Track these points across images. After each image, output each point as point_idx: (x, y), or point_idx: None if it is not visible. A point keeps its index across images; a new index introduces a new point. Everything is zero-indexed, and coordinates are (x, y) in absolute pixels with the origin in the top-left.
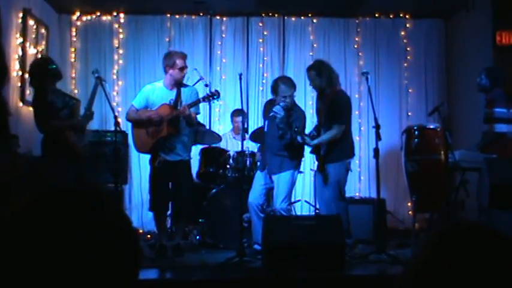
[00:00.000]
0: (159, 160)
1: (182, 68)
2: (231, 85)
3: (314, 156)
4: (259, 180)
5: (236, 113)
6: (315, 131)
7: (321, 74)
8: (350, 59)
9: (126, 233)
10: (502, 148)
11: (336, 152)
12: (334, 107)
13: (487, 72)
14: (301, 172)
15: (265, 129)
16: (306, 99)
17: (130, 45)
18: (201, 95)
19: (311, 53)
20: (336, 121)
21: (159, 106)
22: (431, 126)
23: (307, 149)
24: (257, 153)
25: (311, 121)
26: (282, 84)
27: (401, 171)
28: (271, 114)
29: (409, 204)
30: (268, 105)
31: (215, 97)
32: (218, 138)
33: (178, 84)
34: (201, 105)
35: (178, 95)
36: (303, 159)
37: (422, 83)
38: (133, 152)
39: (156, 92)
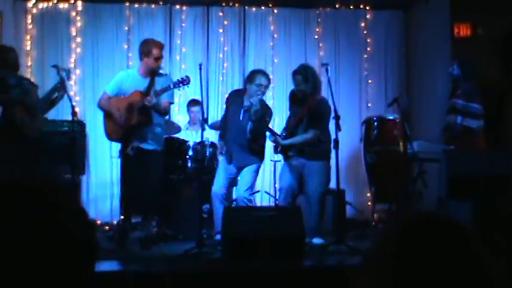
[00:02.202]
0: (132, 146)
1: (157, 58)
2: (191, 75)
3: (281, 155)
4: (224, 169)
5: (192, 103)
6: (285, 132)
7: (307, 80)
8: (310, 50)
9: (79, 225)
10: (470, 143)
11: (323, 151)
12: (316, 114)
13: (460, 64)
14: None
15: (231, 120)
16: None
17: (88, 33)
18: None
19: (271, 43)
20: (314, 126)
21: (131, 93)
22: (391, 118)
23: (269, 145)
24: (218, 144)
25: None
26: (261, 74)
27: (361, 162)
28: (246, 104)
29: (369, 195)
30: (233, 95)
31: (186, 83)
32: (177, 128)
33: (153, 72)
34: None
35: (151, 83)
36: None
37: (382, 74)
38: (91, 142)
39: (130, 79)
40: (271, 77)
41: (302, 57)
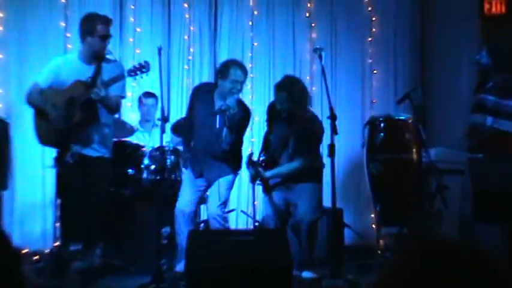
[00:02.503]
0: (72, 153)
1: (104, 37)
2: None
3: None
4: (191, 182)
5: (146, 94)
6: (264, 157)
7: (294, 98)
8: (300, 32)
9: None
10: (502, 150)
11: (313, 171)
12: (303, 137)
13: (490, 50)
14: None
15: (199, 124)
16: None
17: (13, 6)
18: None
19: (250, 23)
20: (301, 154)
21: (70, 84)
22: (401, 118)
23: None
24: (181, 151)
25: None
26: (236, 66)
27: (364, 174)
28: (220, 107)
29: (373, 215)
30: (200, 91)
31: (144, 70)
32: (130, 130)
33: (99, 57)
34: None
35: (98, 71)
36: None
37: (391, 63)
38: (17, 148)
39: (68, 66)
40: (249, 66)
41: (289, 41)
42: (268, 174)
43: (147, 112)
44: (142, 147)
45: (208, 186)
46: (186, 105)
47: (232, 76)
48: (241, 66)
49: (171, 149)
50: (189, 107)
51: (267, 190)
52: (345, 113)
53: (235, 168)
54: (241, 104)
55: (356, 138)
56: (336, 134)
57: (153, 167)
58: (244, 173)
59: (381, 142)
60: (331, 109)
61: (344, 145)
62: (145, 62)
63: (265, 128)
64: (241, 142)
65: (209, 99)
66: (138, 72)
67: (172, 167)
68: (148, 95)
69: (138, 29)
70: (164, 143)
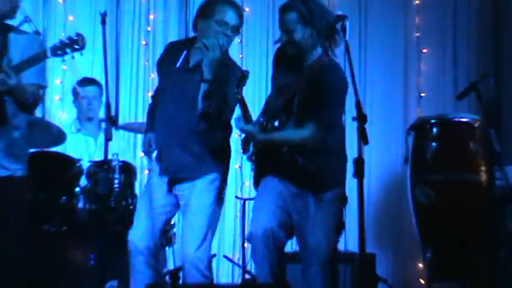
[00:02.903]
0: None
1: None
2: (86, 33)
3: (250, 166)
4: (152, 195)
5: (85, 82)
6: (263, 118)
7: (310, 20)
8: None
9: None
10: None
11: (331, 172)
12: (319, 91)
13: None
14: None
15: (166, 91)
16: None
17: None
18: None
19: None
20: (314, 117)
21: None
22: (463, 120)
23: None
24: (143, 141)
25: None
26: (227, 5)
27: (406, 203)
28: (196, 49)
29: (421, 265)
30: (171, 49)
31: (76, 47)
32: (59, 135)
33: (4, 25)
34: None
35: (3, 48)
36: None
37: (449, 38)
38: None
39: None
40: (238, 40)
41: None
42: (263, 136)
43: (88, 106)
44: (78, 161)
45: (178, 199)
46: (142, 99)
47: (219, 15)
48: (233, 4)
49: (120, 163)
50: (158, 72)
51: (262, 173)
52: (379, 112)
53: (219, 166)
54: (231, 62)
55: (395, 150)
56: (366, 143)
57: (92, 190)
58: (230, 201)
59: (433, 156)
60: (358, 106)
61: (377, 160)
62: (78, 35)
63: (260, 113)
64: (228, 124)
65: (182, 53)
66: (68, 51)
67: (123, 190)
68: (88, 82)
69: None
70: (111, 155)
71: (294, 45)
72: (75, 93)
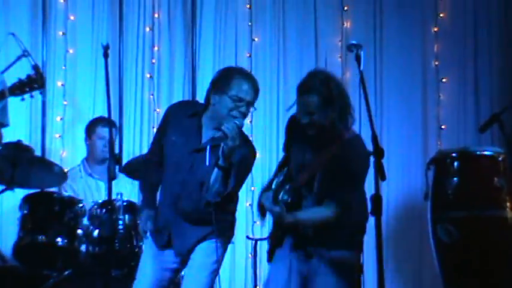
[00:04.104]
0: None
1: None
2: (88, 66)
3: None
4: (155, 257)
5: (101, 123)
6: (287, 195)
7: (333, 103)
8: (326, 19)
9: None
10: None
11: (347, 232)
12: (341, 170)
13: None
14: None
15: (175, 163)
16: None
17: None
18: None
19: (248, 6)
20: (334, 197)
21: None
22: (486, 153)
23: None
24: (143, 214)
25: None
26: (242, 78)
27: (427, 242)
28: (213, 136)
29: None
30: (178, 112)
31: (35, 86)
32: (61, 175)
33: None
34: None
35: None
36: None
37: (469, 67)
38: None
39: None
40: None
41: (308, 34)
42: (290, 219)
43: (104, 148)
44: (80, 201)
45: (183, 262)
46: (148, 135)
47: (235, 90)
48: (249, 78)
49: (125, 203)
50: (157, 137)
51: (277, 245)
52: (397, 145)
53: (224, 233)
54: (245, 139)
55: (414, 186)
56: (383, 179)
57: (96, 232)
58: (240, 241)
59: (455, 191)
60: (374, 140)
61: (396, 196)
62: (35, 71)
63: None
64: (236, 197)
65: (193, 127)
66: (27, 89)
67: (127, 232)
68: (109, 122)
69: (71, 17)
70: (115, 195)
71: (315, 127)
72: (89, 131)
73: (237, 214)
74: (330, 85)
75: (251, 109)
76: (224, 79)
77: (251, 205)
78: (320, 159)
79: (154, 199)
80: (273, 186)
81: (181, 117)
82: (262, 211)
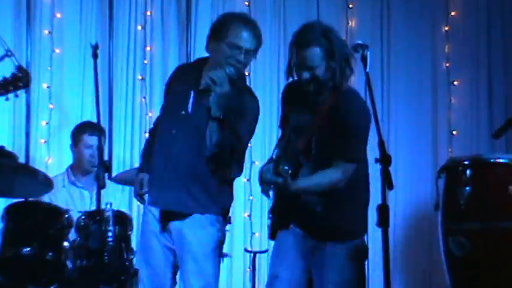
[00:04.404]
0: None
1: None
2: (75, 67)
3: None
4: (152, 243)
5: (89, 130)
6: (287, 165)
7: (334, 54)
8: (331, 18)
9: None
10: None
11: (355, 217)
12: (340, 124)
13: None
14: (226, 255)
15: (168, 119)
16: None
17: None
18: None
19: (246, 3)
20: (341, 155)
21: None
22: (500, 160)
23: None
24: (137, 180)
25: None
26: (242, 24)
27: (437, 255)
28: (201, 87)
29: None
30: (181, 72)
31: (20, 84)
32: (46, 183)
33: None
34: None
35: None
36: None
37: (482, 68)
38: None
39: None
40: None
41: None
42: (295, 186)
43: (91, 158)
44: (66, 212)
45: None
46: (139, 140)
47: (232, 37)
48: (249, 24)
49: (115, 213)
50: (165, 94)
51: (280, 227)
52: (405, 152)
53: (219, 213)
54: (243, 88)
55: (423, 196)
56: (391, 188)
57: (83, 245)
58: (238, 255)
59: (467, 201)
60: (381, 146)
61: (404, 207)
62: (21, 70)
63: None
64: (240, 154)
65: (193, 73)
66: (12, 88)
67: (117, 244)
68: (97, 129)
69: (57, 14)
70: (103, 204)
71: (316, 82)
72: (75, 138)
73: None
74: (330, 36)
75: (251, 58)
76: (222, 25)
77: (250, 216)
78: (317, 116)
79: (149, 166)
80: (274, 157)
81: (185, 69)
82: (265, 187)
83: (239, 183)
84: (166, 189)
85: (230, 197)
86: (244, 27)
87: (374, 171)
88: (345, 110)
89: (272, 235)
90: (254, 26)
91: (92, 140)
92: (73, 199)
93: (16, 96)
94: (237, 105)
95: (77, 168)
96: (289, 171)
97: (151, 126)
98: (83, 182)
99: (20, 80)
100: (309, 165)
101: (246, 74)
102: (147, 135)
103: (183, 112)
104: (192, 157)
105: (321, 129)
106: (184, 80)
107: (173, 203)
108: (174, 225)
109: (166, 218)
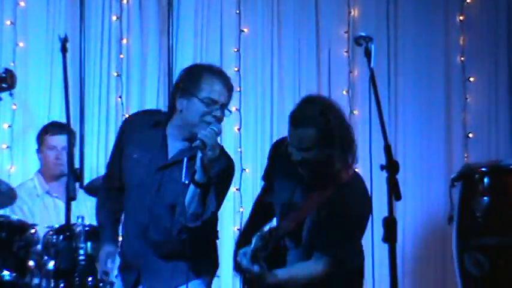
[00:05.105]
0: None
1: None
2: (42, 63)
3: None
4: None
5: (52, 129)
6: (260, 240)
7: (332, 140)
8: (331, 7)
9: None
10: None
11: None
12: (335, 219)
13: None
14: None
15: (139, 186)
16: None
17: None
18: None
19: None
20: (328, 250)
21: None
22: None
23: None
24: (105, 267)
25: None
26: (212, 75)
27: (452, 274)
28: (186, 149)
29: None
30: (138, 124)
31: (4, 85)
32: (8, 195)
33: None
34: None
35: None
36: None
37: (501, 63)
38: None
39: None
40: (234, 70)
41: (308, 24)
42: (280, 274)
43: (56, 161)
44: (32, 227)
45: None
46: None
47: (206, 91)
48: (221, 76)
49: (87, 228)
50: (114, 157)
51: None
52: (414, 158)
53: (207, 268)
54: (221, 151)
55: (436, 207)
56: (398, 198)
57: (51, 263)
58: (226, 277)
59: (485, 214)
60: (387, 151)
61: (413, 219)
62: (7, 71)
63: (259, 187)
64: (216, 219)
65: (156, 140)
66: None
67: (90, 263)
68: (59, 128)
69: (21, 3)
70: (74, 218)
71: (308, 166)
72: (39, 141)
73: (222, 242)
74: (329, 116)
75: (226, 113)
76: (191, 79)
77: (239, 189)
78: (311, 203)
79: (116, 233)
80: (253, 241)
81: (141, 129)
82: (240, 269)
83: (228, 193)
84: (152, 272)
85: (215, 255)
86: (216, 79)
87: (380, 179)
88: (342, 204)
89: None
90: (226, 76)
91: (54, 140)
92: (48, 211)
93: (0, 99)
94: (217, 172)
95: (45, 175)
96: (261, 244)
97: (105, 177)
98: (57, 190)
99: (4, 81)
100: (296, 251)
101: (236, 69)
102: None
103: (155, 190)
104: (171, 237)
105: (314, 217)
106: (144, 148)
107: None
108: None
109: None
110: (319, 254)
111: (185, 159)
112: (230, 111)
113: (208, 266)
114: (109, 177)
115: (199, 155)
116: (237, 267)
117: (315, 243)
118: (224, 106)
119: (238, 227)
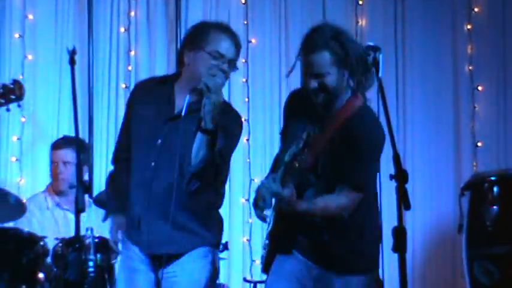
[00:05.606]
0: None
1: None
2: (50, 75)
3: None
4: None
5: (54, 144)
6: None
7: (347, 59)
8: (338, 17)
9: None
10: None
11: (367, 249)
12: (351, 146)
13: None
14: (223, 287)
15: (144, 144)
16: None
17: None
18: None
19: (243, 1)
20: (348, 180)
21: None
22: None
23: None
24: (115, 237)
25: None
26: (221, 32)
27: (461, 283)
28: (195, 86)
29: None
30: (145, 88)
31: (12, 97)
32: (18, 207)
33: None
34: None
35: None
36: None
37: (510, 71)
38: None
39: None
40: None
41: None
42: (303, 206)
43: (56, 175)
44: (41, 239)
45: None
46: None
47: (213, 45)
48: (230, 33)
49: (96, 240)
50: (125, 123)
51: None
52: (423, 167)
53: (211, 232)
54: (227, 106)
55: (445, 216)
56: (408, 208)
57: (61, 276)
58: (236, 285)
59: (495, 223)
60: (396, 160)
61: (422, 228)
62: (15, 82)
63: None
64: (226, 170)
65: (163, 95)
66: (3, 101)
67: (99, 275)
68: (61, 143)
69: (29, 16)
70: (85, 230)
71: (326, 93)
72: (51, 154)
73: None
74: (342, 39)
75: (232, 70)
76: (199, 33)
77: (249, 241)
78: (325, 132)
79: (123, 204)
80: (286, 158)
81: (149, 87)
82: (261, 205)
83: (237, 204)
84: (154, 231)
85: (221, 223)
86: (225, 35)
87: (389, 189)
88: (357, 130)
89: (265, 268)
90: (234, 34)
91: (55, 154)
92: (57, 224)
93: (8, 110)
94: (223, 123)
95: (54, 187)
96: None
97: (115, 149)
98: (67, 203)
99: (12, 92)
100: (316, 186)
101: (244, 80)
102: None
103: (160, 141)
104: (177, 190)
105: (330, 149)
106: (152, 103)
107: (165, 246)
108: (165, 272)
109: (153, 259)
110: (342, 186)
111: (187, 97)
112: (237, 68)
113: (211, 237)
114: (118, 149)
115: (204, 101)
116: (259, 199)
117: (334, 174)
118: (232, 62)
119: (248, 238)
